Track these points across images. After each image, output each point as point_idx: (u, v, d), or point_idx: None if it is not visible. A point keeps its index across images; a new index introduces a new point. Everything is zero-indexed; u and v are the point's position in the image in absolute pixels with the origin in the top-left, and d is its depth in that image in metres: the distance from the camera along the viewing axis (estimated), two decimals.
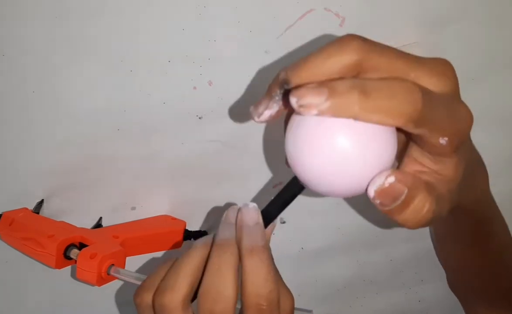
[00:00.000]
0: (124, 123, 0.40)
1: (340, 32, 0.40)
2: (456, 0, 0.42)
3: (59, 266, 0.37)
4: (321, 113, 0.21)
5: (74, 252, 0.37)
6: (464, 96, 0.47)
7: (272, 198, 0.28)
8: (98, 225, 0.42)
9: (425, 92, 0.21)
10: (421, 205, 0.23)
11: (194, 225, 0.45)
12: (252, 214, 0.27)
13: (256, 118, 0.25)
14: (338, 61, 0.21)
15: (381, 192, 0.23)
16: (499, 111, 0.47)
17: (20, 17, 0.35)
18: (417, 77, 0.22)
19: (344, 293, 0.51)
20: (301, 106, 0.21)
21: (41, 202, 0.41)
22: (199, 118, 0.41)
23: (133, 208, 0.43)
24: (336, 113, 0.21)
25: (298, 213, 0.47)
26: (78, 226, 0.40)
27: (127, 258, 0.38)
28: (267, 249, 0.27)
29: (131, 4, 0.36)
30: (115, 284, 0.41)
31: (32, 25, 0.35)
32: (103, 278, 0.35)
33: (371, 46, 0.22)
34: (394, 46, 0.41)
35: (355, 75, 0.22)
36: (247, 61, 0.40)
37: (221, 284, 0.26)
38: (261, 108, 0.24)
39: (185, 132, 0.41)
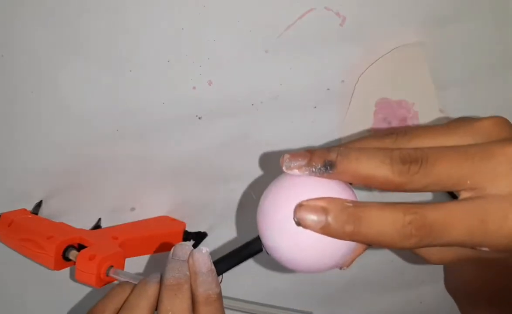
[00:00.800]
0: (123, 123, 0.40)
1: (340, 31, 0.40)
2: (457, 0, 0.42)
3: (58, 267, 0.37)
4: (315, 231, 0.24)
5: (73, 254, 0.37)
6: (466, 95, 0.47)
7: (229, 252, 0.29)
8: (97, 226, 0.42)
9: (426, 221, 0.23)
10: None
11: (193, 226, 0.45)
12: (206, 260, 0.27)
13: (283, 168, 0.26)
14: (384, 177, 0.24)
15: None
16: (501, 111, 0.47)
17: (19, 17, 0.35)
18: (474, 184, 0.23)
19: (344, 294, 0.51)
20: (299, 222, 0.24)
21: (40, 203, 0.41)
22: (199, 118, 0.41)
23: (133, 209, 0.43)
24: (328, 235, 0.24)
25: None
26: (77, 227, 0.40)
27: (126, 259, 0.38)
28: (221, 297, 0.28)
29: (131, 3, 0.36)
30: None
31: (31, 25, 0.35)
32: (102, 280, 0.35)
33: (417, 167, 0.23)
34: (395, 45, 0.41)
35: (401, 191, 0.24)
36: (247, 61, 0.39)
37: None
38: (293, 164, 0.25)
39: (185, 132, 0.41)
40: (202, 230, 0.46)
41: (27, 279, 0.44)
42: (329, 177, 0.25)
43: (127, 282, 0.30)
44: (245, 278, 0.48)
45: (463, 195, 0.24)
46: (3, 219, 0.40)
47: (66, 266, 0.37)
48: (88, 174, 0.41)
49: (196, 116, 0.41)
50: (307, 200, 0.24)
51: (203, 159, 0.43)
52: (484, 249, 0.24)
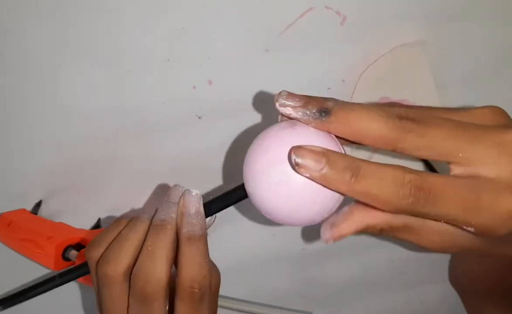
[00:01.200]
0: (123, 123, 0.40)
1: (341, 30, 0.40)
2: None
3: (57, 267, 0.37)
4: (311, 178, 0.23)
5: (72, 254, 0.37)
6: (467, 95, 0.47)
7: (215, 196, 0.29)
8: (97, 226, 0.42)
9: (424, 184, 0.23)
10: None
11: None
12: (195, 202, 0.29)
13: (277, 104, 0.25)
14: (378, 130, 0.23)
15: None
16: (507, 110, 0.47)
17: (19, 17, 0.35)
18: (466, 159, 0.23)
19: (345, 294, 0.51)
20: (297, 164, 0.23)
21: (39, 203, 0.41)
22: (199, 117, 0.41)
23: (132, 209, 0.43)
24: (325, 183, 0.23)
25: None
26: (77, 227, 0.40)
27: None
28: (204, 238, 0.29)
29: (131, 3, 0.36)
30: None
31: (31, 25, 0.35)
32: None
33: (413, 126, 0.23)
34: (396, 45, 0.41)
35: (392, 149, 0.24)
36: (247, 60, 0.39)
37: (153, 266, 0.27)
38: (288, 102, 0.25)
39: (185, 132, 0.41)
40: None
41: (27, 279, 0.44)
42: (321, 126, 0.24)
43: (123, 217, 0.31)
44: (245, 278, 0.48)
45: (454, 170, 0.24)
46: (2, 219, 0.40)
47: (66, 266, 0.37)
48: (88, 174, 0.41)
49: (196, 116, 0.41)
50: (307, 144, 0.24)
51: (203, 159, 0.43)
52: (469, 229, 0.24)
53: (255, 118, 0.42)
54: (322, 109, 0.24)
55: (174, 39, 0.37)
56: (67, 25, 0.36)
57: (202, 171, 0.44)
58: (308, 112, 0.24)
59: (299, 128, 0.25)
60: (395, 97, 0.43)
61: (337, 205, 0.26)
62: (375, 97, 0.43)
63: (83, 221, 0.42)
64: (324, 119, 0.24)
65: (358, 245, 0.50)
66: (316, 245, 0.49)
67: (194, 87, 0.40)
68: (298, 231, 0.48)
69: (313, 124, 0.25)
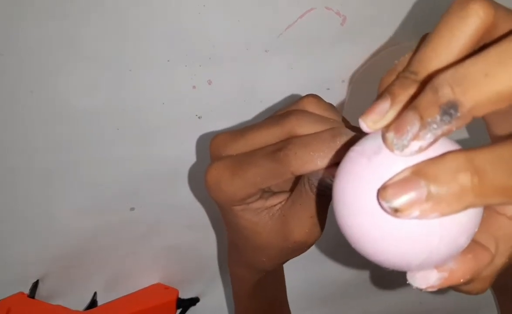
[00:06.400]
0: (123, 123, 0.40)
1: (341, 31, 0.40)
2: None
3: None
4: (424, 217, 0.15)
5: None
6: None
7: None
8: (93, 301, 0.43)
9: None
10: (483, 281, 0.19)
11: (194, 224, 0.45)
12: None
13: (398, 153, 0.17)
14: (464, 34, 0.17)
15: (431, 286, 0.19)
16: None
17: (19, 17, 0.35)
18: None
19: (345, 294, 0.51)
20: (395, 210, 0.16)
21: (36, 283, 0.41)
22: (199, 118, 0.41)
23: (132, 209, 0.43)
24: (444, 212, 0.15)
25: None
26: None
27: None
28: None
29: (131, 3, 0.36)
30: None
31: (31, 24, 0.35)
32: None
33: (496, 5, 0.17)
34: (396, 45, 0.41)
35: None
36: (247, 60, 0.39)
37: None
38: (407, 140, 0.16)
39: (185, 132, 0.41)
40: (195, 295, 0.46)
41: None
42: (456, 127, 0.16)
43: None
44: None
45: None
46: (0, 307, 0.39)
47: None
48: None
49: (196, 116, 0.41)
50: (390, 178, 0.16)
51: (203, 158, 0.43)
52: None
53: (255, 118, 0.42)
54: (446, 108, 0.16)
55: (174, 39, 0.37)
56: (67, 25, 0.36)
57: (202, 171, 0.43)
58: (435, 126, 0.16)
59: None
60: None
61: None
62: (368, 99, 0.43)
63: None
64: (457, 115, 0.16)
65: None
66: (317, 245, 0.49)
67: (194, 87, 0.40)
68: None
69: (445, 133, 0.16)
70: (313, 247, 0.49)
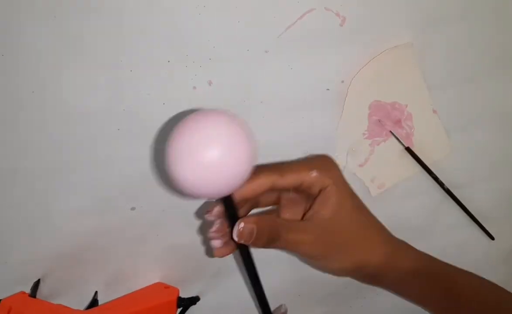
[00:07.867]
0: (123, 123, 0.40)
1: (340, 31, 0.40)
2: (457, 0, 0.42)
3: None
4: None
5: None
6: (462, 96, 0.47)
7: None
8: (94, 300, 0.43)
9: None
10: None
11: (194, 222, 0.45)
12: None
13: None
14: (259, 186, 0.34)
15: (240, 234, 0.32)
16: (494, 112, 0.47)
17: (19, 17, 0.35)
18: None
19: (344, 293, 0.51)
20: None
21: (38, 282, 0.41)
22: None
23: (133, 208, 0.43)
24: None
25: None
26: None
27: None
28: None
29: (131, 4, 0.36)
30: None
31: (32, 25, 0.35)
32: None
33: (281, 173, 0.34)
34: (395, 45, 0.41)
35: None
36: (247, 61, 0.40)
37: None
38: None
39: None
40: (194, 295, 0.46)
41: None
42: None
43: None
44: (245, 278, 0.48)
45: None
46: (1, 306, 0.39)
47: None
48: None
49: None
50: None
51: None
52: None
53: (255, 118, 0.42)
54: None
55: (174, 39, 0.38)
56: (68, 25, 0.36)
57: None
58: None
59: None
60: (387, 100, 0.44)
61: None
62: (367, 100, 0.43)
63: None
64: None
65: None
66: None
67: (194, 87, 0.40)
68: None
69: None
70: None
